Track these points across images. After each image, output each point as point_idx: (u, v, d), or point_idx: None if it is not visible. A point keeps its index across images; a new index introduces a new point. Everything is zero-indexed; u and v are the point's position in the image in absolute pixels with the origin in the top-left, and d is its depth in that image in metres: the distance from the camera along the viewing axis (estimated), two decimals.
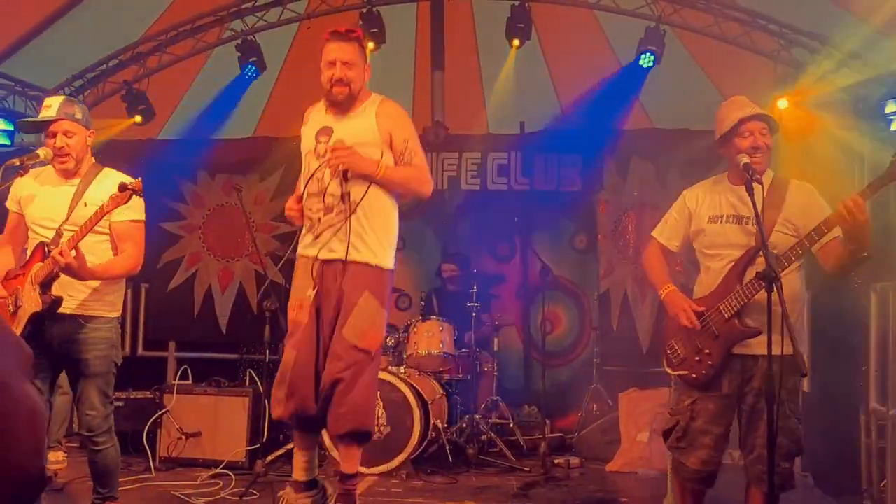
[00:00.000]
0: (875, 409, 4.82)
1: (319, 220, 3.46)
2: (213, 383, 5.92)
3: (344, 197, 3.41)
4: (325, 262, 3.44)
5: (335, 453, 5.36)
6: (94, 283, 3.56)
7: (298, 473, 3.64)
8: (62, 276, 3.40)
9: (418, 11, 7.59)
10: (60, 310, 3.46)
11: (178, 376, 5.98)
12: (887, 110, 5.92)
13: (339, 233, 3.41)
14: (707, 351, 3.28)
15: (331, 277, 3.42)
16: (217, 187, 7.94)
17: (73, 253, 3.31)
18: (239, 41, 6.97)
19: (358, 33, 3.59)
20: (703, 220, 3.44)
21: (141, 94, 7.18)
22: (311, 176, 3.51)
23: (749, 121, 3.34)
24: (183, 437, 5.64)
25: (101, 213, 3.38)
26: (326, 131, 3.53)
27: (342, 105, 3.49)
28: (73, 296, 3.52)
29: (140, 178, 3.45)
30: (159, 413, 5.70)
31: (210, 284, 7.88)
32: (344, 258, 3.39)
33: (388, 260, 3.52)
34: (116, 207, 3.40)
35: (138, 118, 7.20)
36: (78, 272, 3.36)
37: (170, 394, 5.75)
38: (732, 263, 3.30)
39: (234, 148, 7.84)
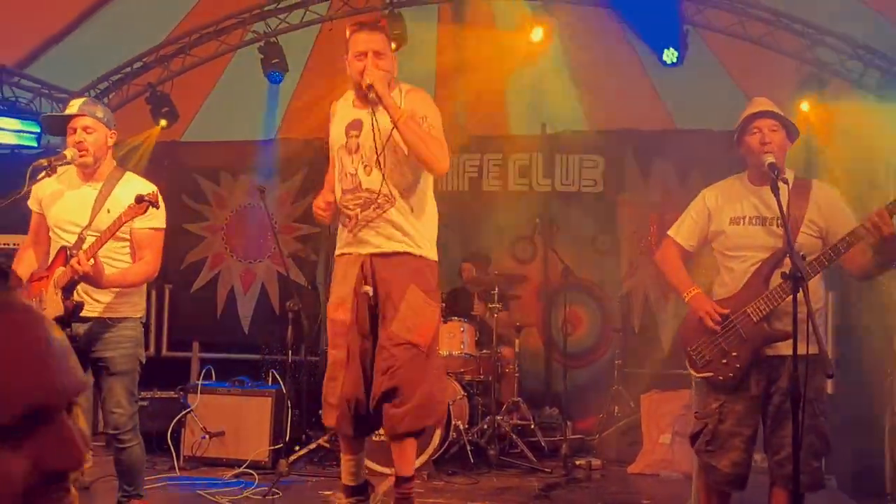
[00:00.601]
0: None
1: (357, 216, 3.40)
2: (237, 383, 5.96)
3: (380, 191, 3.34)
4: (368, 257, 3.39)
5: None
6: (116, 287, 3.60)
7: (347, 478, 3.68)
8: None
9: (440, 13, 7.59)
10: (87, 313, 3.52)
11: (201, 376, 6.03)
12: None
13: (378, 227, 3.36)
14: (735, 353, 3.26)
15: (375, 272, 3.37)
16: (240, 189, 8.00)
17: (92, 262, 3.33)
18: (261, 43, 7.01)
19: (384, 23, 3.55)
20: (724, 221, 3.41)
21: (165, 96, 7.25)
22: (345, 172, 3.45)
23: (757, 118, 3.34)
24: (207, 436, 5.69)
25: (119, 223, 3.42)
26: (357, 125, 3.46)
27: (378, 102, 3.32)
28: (98, 299, 3.57)
29: (156, 190, 3.48)
30: (183, 412, 5.75)
31: (233, 285, 7.94)
32: (387, 251, 3.34)
33: (431, 251, 3.47)
34: (132, 219, 3.44)
35: (164, 122, 7.27)
36: (95, 281, 3.40)
37: (194, 393, 5.79)
38: (757, 265, 3.27)
39: (257, 149, 7.90)
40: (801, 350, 2.75)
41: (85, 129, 3.59)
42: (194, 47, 7.21)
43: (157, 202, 3.43)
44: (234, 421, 5.73)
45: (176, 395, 6.00)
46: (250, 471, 5.38)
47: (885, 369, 5.02)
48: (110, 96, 7.42)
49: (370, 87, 3.23)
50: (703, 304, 3.34)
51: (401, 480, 3.53)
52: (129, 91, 7.44)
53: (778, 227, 3.23)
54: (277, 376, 6.07)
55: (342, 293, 3.44)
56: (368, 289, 3.37)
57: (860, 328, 5.19)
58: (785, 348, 3.08)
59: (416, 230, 3.42)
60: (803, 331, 2.75)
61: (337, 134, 3.53)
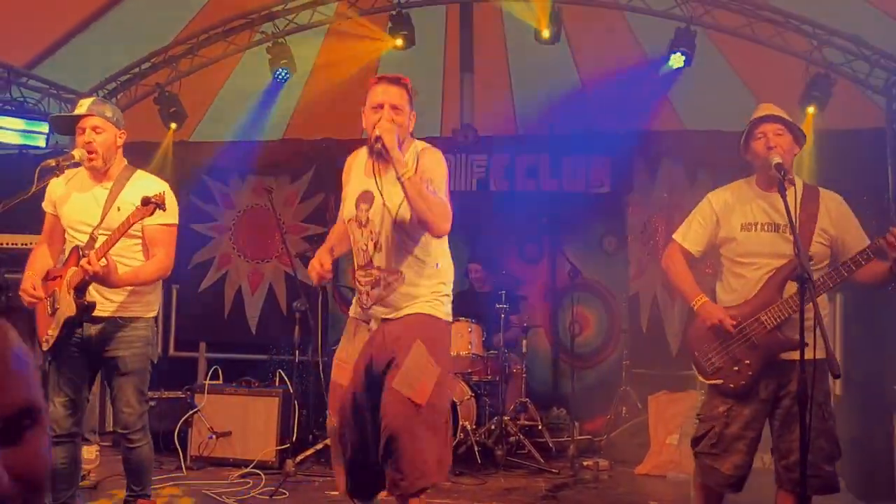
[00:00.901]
0: None
1: (368, 294, 3.33)
2: (244, 383, 5.97)
3: (389, 269, 3.28)
4: (379, 324, 3.31)
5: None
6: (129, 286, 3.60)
7: None
8: None
9: (447, 13, 7.60)
10: (99, 312, 3.52)
11: (208, 376, 6.04)
12: None
13: (387, 302, 3.28)
14: (747, 361, 3.22)
15: (383, 335, 3.28)
16: (247, 189, 8.02)
17: (104, 262, 3.33)
18: (269, 43, 7.03)
19: (406, 80, 3.44)
20: (734, 227, 3.36)
21: (173, 96, 7.27)
22: (357, 247, 3.39)
23: (762, 123, 3.32)
24: (214, 436, 5.70)
25: (127, 224, 3.42)
26: (367, 197, 3.37)
27: (384, 154, 3.19)
28: (111, 298, 3.58)
29: (164, 191, 3.45)
30: (190, 412, 5.76)
31: (240, 285, 7.96)
32: (395, 317, 3.27)
33: (441, 310, 3.34)
34: (140, 220, 3.43)
35: (174, 125, 7.29)
36: (106, 280, 3.40)
37: (201, 393, 5.81)
38: (771, 273, 3.24)
39: (265, 150, 7.92)
40: (809, 354, 2.73)
41: (94, 128, 3.58)
42: (202, 48, 7.22)
43: (164, 203, 3.40)
44: (241, 421, 5.74)
45: (183, 395, 6.02)
46: (257, 471, 5.38)
47: (894, 369, 5.01)
48: (118, 97, 7.44)
49: (378, 138, 3.16)
50: (714, 312, 3.28)
51: None
52: (138, 91, 7.46)
53: (791, 234, 3.16)
54: (285, 376, 6.08)
55: (346, 353, 3.39)
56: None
57: (870, 329, 5.17)
58: (796, 353, 3.05)
59: (426, 292, 3.32)
60: (810, 335, 2.75)
61: (349, 207, 3.46)
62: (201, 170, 7.95)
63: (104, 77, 7.26)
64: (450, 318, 3.39)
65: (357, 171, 3.50)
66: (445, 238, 3.38)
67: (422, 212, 3.17)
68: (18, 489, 0.75)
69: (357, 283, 3.40)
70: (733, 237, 3.37)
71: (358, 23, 7.03)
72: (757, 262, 3.30)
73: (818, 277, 3.13)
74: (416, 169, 3.25)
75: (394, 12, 6.81)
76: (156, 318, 3.81)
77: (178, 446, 5.65)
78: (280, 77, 7.08)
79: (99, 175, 3.65)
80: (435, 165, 3.38)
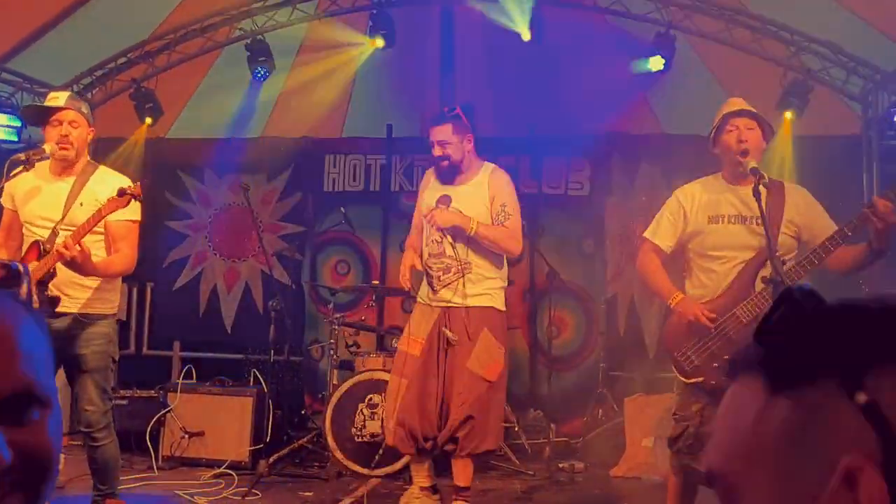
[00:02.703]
0: None
1: (439, 278, 4.09)
2: (218, 383, 5.91)
3: (459, 259, 4.04)
4: (446, 309, 4.08)
5: (338, 454, 5.37)
6: (93, 283, 3.57)
7: (424, 480, 4.29)
8: (59, 275, 3.42)
9: (428, 13, 7.57)
10: (61, 309, 3.48)
11: (182, 375, 5.97)
12: None
13: (456, 288, 4.04)
14: (726, 357, 3.21)
15: (453, 320, 4.05)
16: (224, 187, 7.94)
17: (78, 248, 3.30)
18: (248, 40, 6.97)
19: (456, 111, 4.33)
20: (701, 220, 3.38)
21: (149, 92, 7.18)
22: (432, 238, 4.15)
23: (733, 117, 3.36)
24: (186, 436, 5.63)
25: (99, 216, 3.39)
26: (445, 200, 4.14)
27: (447, 175, 4.19)
28: (71, 295, 3.54)
29: (139, 183, 3.47)
30: (163, 412, 5.69)
31: (216, 284, 7.88)
32: (465, 306, 4.03)
33: (500, 302, 4.16)
34: (114, 211, 3.41)
35: (149, 120, 7.21)
36: (82, 267, 3.37)
37: (174, 392, 5.74)
38: (741, 266, 3.25)
39: (243, 148, 7.85)
40: None
41: (70, 123, 3.57)
42: (180, 43, 7.15)
43: (140, 195, 3.41)
44: (215, 421, 5.68)
45: (155, 395, 5.94)
46: (230, 471, 5.32)
47: None
48: (94, 91, 7.35)
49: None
50: (691, 308, 3.29)
51: (460, 489, 4.18)
52: (113, 87, 7.37)
53: (758, 225, 3.22)
54: (259, 376, 6.02)
55: (418, 333, 4.13)
56: (452, 336, 4.02)
57: None
58: None
59: (491, 285, 4.12)
60: None
61: (428, 201, 4.24)
62: (177, 167, 7.87)
63: (79, 71, 7.17)
64: (505, 308, 4.19)
65: (435, 181, 4.32)
66: None
67: (496, 248, 4.13)
68: (20, 468, 0.75)
69: (428, 268, 4.15)
70: (701, 230, 3.39)
71: (338, 21, 7.00)
72: (725, 255, 3.32)
73: (789, 268, 3.15)
74: (490, 191, 4.10)
75: (374, 11, 6.78)
76: (122, 319, 3.78)
77: (149, 446, 5.58)
78: (259, 74, 7.02)
79: (62, 170, 3.61)
80: (505, 186, 4.19)
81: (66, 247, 3.27)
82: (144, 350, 7.80)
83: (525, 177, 7.49)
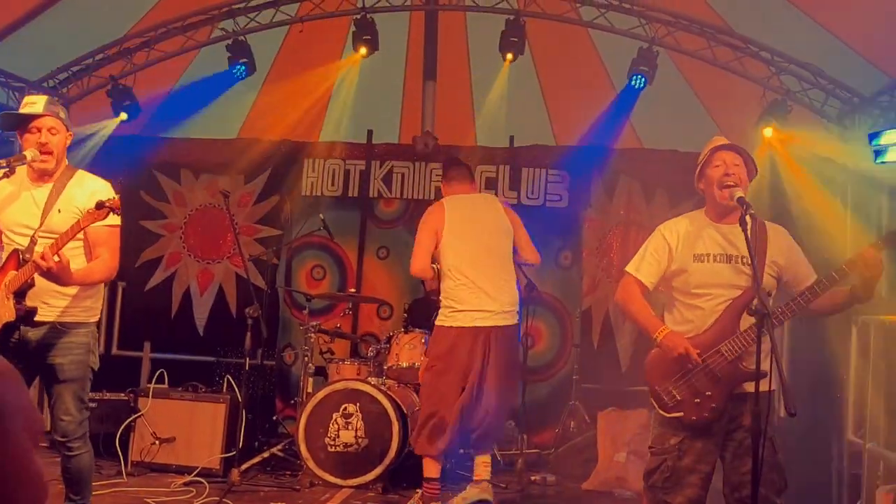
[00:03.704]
0: (851, 441, 4.86)
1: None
2: (190, 388, 5.83)
3: None
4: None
5: (311, 464, 5.34)
6: (72, 291, 3.49)
7: (438, 473, 4.82)
8: (38, 284, 3.35)
9: (411, 20, 7.56)
10: (39, 317, 3.40)
11: (153, 380, 5.88)
12: (874, 143, 5.97)
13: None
14: (708, 393, 3.19)
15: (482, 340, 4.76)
16: (201, 187, 7.84)
17: (56, 258, 3.23)
18: (229, 41, 6.90)
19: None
20: (686, 259, 3.35)
21: (126, 89, 7.09)
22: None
23: (720, 150, 3.34)
24: (157, 441, 5.56)
25: (78, 227, 3.33)
26: None
27: None
28: (49, 303, 3.46)
29: (118, 196, 3.39)
30: (133, 417, 5.61)
31: (189, 285, 7.78)
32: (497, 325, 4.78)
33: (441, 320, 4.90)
34: (92, 224, 3.34)
35: (124, 115, 7.10)
36: (60, 278, 3.29)
37: (145, 397, 5.66)
38: (727, 303, 3.23)
39: (220, 148, 7.77)
40: (763, 387, 2.75)
41: (50, 129, 3.49)
42: (159, 41, 7.05)
43: (119, 208, 3.34)
44: (186, 427, 5.61)
45: (126, 398, 5.85)
46: (200, 479, 5.26)
47: (834, 394, 5.11)
48: (69, 87, 7.24)
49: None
50: (679, 342, 3.22)
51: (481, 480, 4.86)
52: (90, 83, 7.26)
53: (744, 265, 3.21)
54: (232, 381, 5.96)
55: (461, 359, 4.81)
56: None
57: (811, 353, 5.28)
58: (748, 386, 3.05)
59: (514, 307, 4.98)
60: (766, 367, 2.77)
61: None
62: (153, 166, 7.77)
63: (56, 66, 7.05)
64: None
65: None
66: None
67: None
68: None
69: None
70: (685, 268, 3.35)
71: (320, 24, 6.95)
72: (711, 293, 3.28)
73: (775, 309, 3.15)
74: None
75: (358, 16, 6.75)
76: (98, 323, 3.71)
77: (118, 451, 5.50)
78: (238, 74, 6.94)
79: (44, 175, 3.53)
80: (518, 219, 5.11)
81: (43, 258, 3.20)
82: (114, 350, 7.68)
83: (504, 187, 7.51)
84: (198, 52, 7.33)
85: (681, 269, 3.36)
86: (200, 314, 7.75)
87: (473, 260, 4.82)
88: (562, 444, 6.53)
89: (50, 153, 3.47)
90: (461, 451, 5.09)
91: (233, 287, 7.73)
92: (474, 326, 4.75)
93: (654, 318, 3.38)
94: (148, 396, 5.65)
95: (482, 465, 4.88)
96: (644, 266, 3.46)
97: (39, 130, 3.47)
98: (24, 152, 3.43)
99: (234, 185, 7.66)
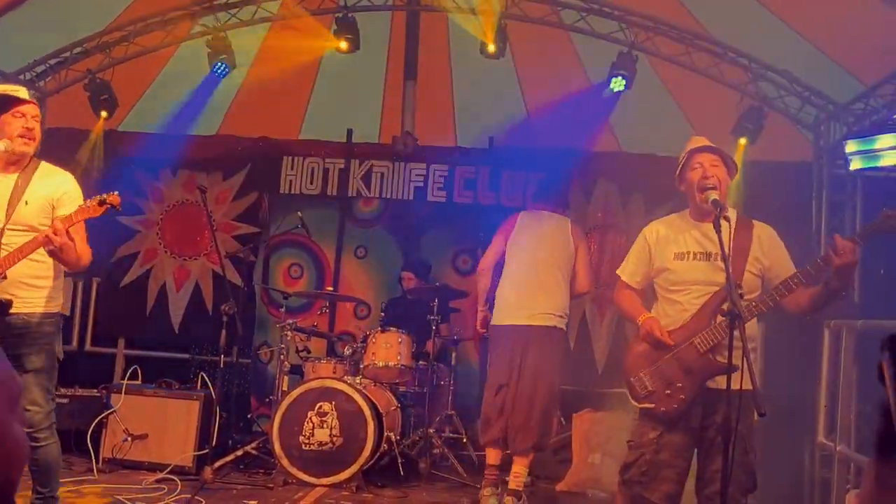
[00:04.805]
0: (822, 443, 4.91)
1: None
2: (164, 385, 5.78)
3: None
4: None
5: (285, 462, 5.32)
6: (41, 283, 3.51)
7: (494, 460, 5.11)
8: (8, 276, 3.36)
9: (393, 20, 7.55)
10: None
11: (127, 376, 5.83)
12: (847, 149, 6.05)
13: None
14: (679, 384, 3.25)
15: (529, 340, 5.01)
16: (178, 184, 7.80)
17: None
18: (210, 37, 6.86)
19: None
20: (667, 257, 3.44)
21: (105, 83, 7.03)
22: None
23: (698, 153, 3.41)
24: (129, 438, 5.51)
25: (70, 221, 3.35)
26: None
27: None
28: (17, 295, 3.45)
29: (118, 192, 3.45)
30: (105, 413, 5.56)
31: (165, 282, 7.73)
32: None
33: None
34: (86, 218, 3.39)
35: (105, 114, 7.04)
36: (68, 253, 3.34)
37: (117, 393, 5.61)
38: (705, 297, 3.29)
39: (198, 145, 7.71)
40: (736, 386, 2.77)
41: (34, 117, 3.52)
42: (139, 36, 7.00)
43: (118, 205, 3.42)
44: (159, 424, 5.57)
45: (98, 394, 5.80)
46: (173, 476, 5.22)
47: (807, 398, 5.16)
48: (46, 80, 7.17)
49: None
50: (654, 325, 3.34)
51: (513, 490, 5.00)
52: (68, 76, 7.19)
53: (723, 262, 3.25)
54: (206, 378, 5.92)
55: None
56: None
57: (786, 357, 5.33)
58: (723, 382, 3.05)
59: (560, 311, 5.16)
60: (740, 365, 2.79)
61: None
62: (130, 161, 7.69)
63: (33, 59, 6.98)
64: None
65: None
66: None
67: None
68: None
69: None
70: (666, 266, 3.44)
71: (301, 22, 6.93)
72: (691, 289, 3.36)
73: (748, 303, 3.19)
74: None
75: (339, 15, 6.73)
76: (67, 315, 3.69)
77: (90, 447, 5.44)
78: (218, 71, 6.91)
79: (5, 165, 3.52)
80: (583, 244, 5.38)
81: (56, 233, 3.24)
82: (87, 346, 7.60)
83: (484, 188, 7.52)
84: (177, 48, 7.29)
85: (663, 267, 3.47)
86: (176, 311, 7.70)
87: (523, 269, 5.19)
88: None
89: (33, 139, 3.49)
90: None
91: (209, 284, 7.68)
92: (513, 325, 5.08)
93: (639, 306, 3.53)
94: (121, 393, 5.60)
95: (512, 474, 5.03)
96: (628, 267, 3.65)
97: (24, 116, 3.48)
98: (0, 142, 3.40)
99: (213, 182, 7.62)
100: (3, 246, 3.37)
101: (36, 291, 3.50)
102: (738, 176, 6.43)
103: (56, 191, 3.49)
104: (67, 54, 7.07)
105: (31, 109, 3.51)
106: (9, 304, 3.37)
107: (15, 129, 3.45)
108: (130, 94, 7.52)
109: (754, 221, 3.47)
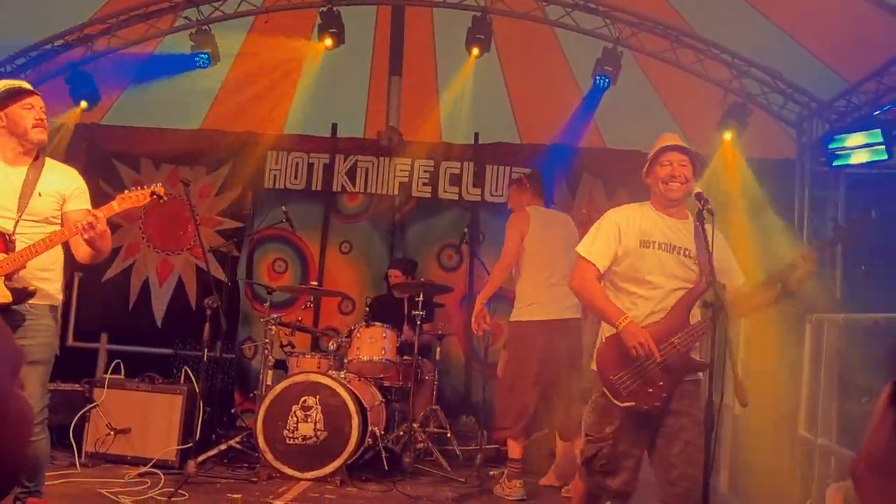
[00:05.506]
0: (803, 436, 4.95)
1: None
2: (147, 379, 5.75)
3: None
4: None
5: (269, 456, 5.30)
6: (46, 274, 3.52)
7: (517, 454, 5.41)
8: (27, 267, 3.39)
9: (378, 14, 7.54)
10: (3, 299, 3.38)
11: (110, 370, 5.80)
12: (830, 146, 6.11)
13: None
14: (661, 383, 3.29)
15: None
16: (161, 178, 7.74)
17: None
18: (193, 30, 6.81)
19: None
20: (633, 242, 3.43)
21: (87, 76, 6.96)
22: None
23: (669, 151, 3.47)
24: (112, 432, 5.47)
25: (112, 210, 3.44)
26: None
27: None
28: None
29: (161, 184, 3.58)
30: (88, 407, 5.52)
31: (147, 276, 7.68)
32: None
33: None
34: (133, 207, 3.52)
35: (84, 104, 6.98)
36: (102, 241, 3.40)
37: (100, 387, 5.57)
38: (671, 293, 3.36)
39: (182, 138, 7.67)
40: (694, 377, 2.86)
41: (42, 108, 3.54)
42: (121, 28, 6.95)
43: (164, 195, 3.54)
44: (142, 418, 5.53)
45: (81, 389, 5.75)
46: (156, 470, 5.19)
47: (788, 391, 5.20)
48: (27, 73, 7.09)
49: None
50: (638, 334, 3.27)
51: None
52: (49, 69, 7.12)
53: (686, 257, 3.37)
54: (190, 373, 5.89)
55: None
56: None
57: (768, 351, 5.38)
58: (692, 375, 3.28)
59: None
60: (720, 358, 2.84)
61: None
62: (112, 155, 7.65)
63: (13, 52, 6.91)
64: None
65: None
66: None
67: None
68: None
69: None
70: (632, 252, 3.44)
71: (285, 15, 6.90)
72: (655, 280, 3.39)
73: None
74: None
75: (324, 9, 6.71)
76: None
77: (72, 441, 5.40)
78: (200, 63, 6.86)
79: (15, 158, 3.52)
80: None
81: (97, 220, 3.30)
82: (69, 341, 7.53)
83: (468, 183, 7.53)
84: (160, 41, 7.24)
85: (628, 252, 3.45)
86: (159, 306, 7.66)
87: (547, 265, 5.41)
88: None
89: (46, 128, 3.54)
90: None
91: (193, 279, 7.65)
92: (547, 319, 5.33)
93: (614, 305, 3.43)
94: (103, 387, 5.56)
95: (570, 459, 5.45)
96: (596, 249, 3.49)
97: (34, 107, 3.50)
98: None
99: (196, 177, 7.58)
100: (17, 236, 3.39)
101: (44, 283, 3.52)
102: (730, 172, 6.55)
103: (68, 186, 3.57)
104: (49, 46, 7.01)
105: (39, 101, 3.54)
106: (32, 293, 3.40)
107: (28, 120, 3.47)
108: (113, 87, 7.45)
109: (705, 222, 3.54)
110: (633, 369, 3.31)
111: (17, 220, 3.43)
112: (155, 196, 3.52)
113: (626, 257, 3.43)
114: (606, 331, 3.49)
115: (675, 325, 3.29)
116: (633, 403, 3.31)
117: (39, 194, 3.48)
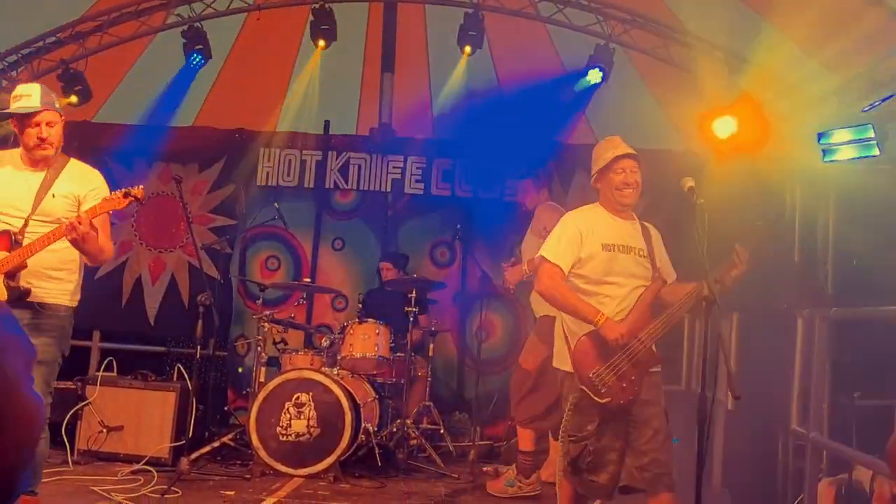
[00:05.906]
0: (795, 431, 4.97)
1: None
2: (140, 376, 5.74)
3: None
4: None
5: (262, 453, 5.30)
6: (59, 275, 3.55)
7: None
8: (28, 266, 3.40)
9: (370, 11, 7.53)
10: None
11: (102, 368, 5.79)
12: (822, 141, 6.11)
13: None
14: (632, 377, 3.43)
15: None
16: (153, 175, 7.73)
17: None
18: (185, 27, 6.80)
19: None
20: (595, 246, 3.55)
21: (78, 74, 6.95)
22: None
23: (622, 159, 3.59)
24: (104, 430, 5.47)
25: (93, 213, 3.41)
26: None
27: None
28: (32, 283, 3.48)
29: (142, 187, 3.54)
30: (81, 405, 5.51)
31: (140, 274, 7.67)
32: None
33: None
34: (110, 209, 3.48)
35: (74, 98, 6.95)
36: (88, 243, 3.38)
37: (93, 385, 5.56)
38: (632, 291, 3.52)
39: (174, 136, 7.65)
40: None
41: (48, 123, 3.55)
42: (113, 26, 6.93)
43: (143, 198, 3.51)
44: (135, 415, 5.54)
45: (73, 386, 5.74)
46: (149, 468, 5.19)
47: (780, 386, 5.22)
48: (19, 70, 7.07)
49: None
50: (616, 327, 3.41)
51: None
52: (41, 66, 7.10)
53: (641, 256, 3.56)
54: (183, 370, 5.89)
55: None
56: None
57: (759, 345, 5.39)
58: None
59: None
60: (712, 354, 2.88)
61: None
62: (105, 152, 7.60)
63: (5, 49, 6.89)
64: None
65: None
66: None
67: None
68: None
69: None
70: (594, 255, 3.56)
71: (278, 13, 6.90)
72: (618, 281, 3.54)
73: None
74: None
75: (316, 6, 6.70)
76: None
77: (65, 439, 5.39)
78: (194, 62, 6.86)
79: (35, 162, 3.58)
80: None
81: (80, 222, 3.29)
82: None
83: (461, 180, 7.54)
84: (153, 38, 7.22)
85: (590, 255, 3.57)
86: (152, 303, 7.64)
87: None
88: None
89: (50, 145, 3.55)
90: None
91: (185, 277, 7.63)
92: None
93: (588, 304, 3.53)
94: (96, 384, 5.56)
95: None
96: (560, 251, 3.60)
97: (38, 125, 3.53)
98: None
99: (188, 174, 7.57)
100: (27, 235, 3.43)
101: (57, 283, 3.55)
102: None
103: (84, 188, 3.60)
104: (40, 44, 6.98)
105: (45, 116, 3.54)
106: (27, 292, 3.41)
107: (30, 139, 3.53)
108: (105, 84, 7.43)
109: (643, 222, 3.73)
110: (609, 366, 3.42)
111: (27, 220, 3.46)
112: (131, 198, 3.48)
113: (590, 260, 3.56)
114: (571, 332, 3.56)
115: (641, 321, 3.44)
116: (609, 399, 3.42)
117: (53, 195, 3.52)
